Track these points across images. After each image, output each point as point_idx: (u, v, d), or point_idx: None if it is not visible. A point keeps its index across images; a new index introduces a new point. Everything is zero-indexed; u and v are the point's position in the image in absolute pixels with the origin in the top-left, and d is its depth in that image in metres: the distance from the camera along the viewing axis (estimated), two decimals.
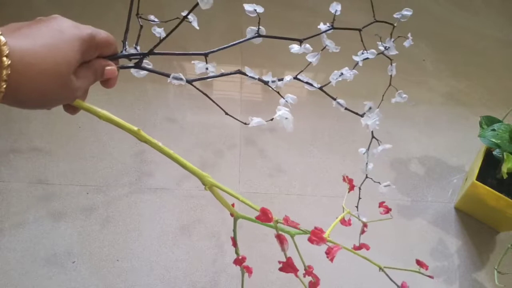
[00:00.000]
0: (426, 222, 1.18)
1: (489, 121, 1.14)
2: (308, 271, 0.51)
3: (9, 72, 0.31)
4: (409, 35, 0.59)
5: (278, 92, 0.54)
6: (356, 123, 1.43)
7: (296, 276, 0.50)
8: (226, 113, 0.58)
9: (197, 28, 0.46)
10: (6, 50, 0.30)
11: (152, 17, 0.52)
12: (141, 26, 0.50)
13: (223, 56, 1.49)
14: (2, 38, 0.31)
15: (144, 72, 0.47)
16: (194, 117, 1.32)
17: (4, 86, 0.31)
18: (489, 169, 1.13)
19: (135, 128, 0.43)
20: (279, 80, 0.52)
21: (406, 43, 0.60)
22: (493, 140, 1.06)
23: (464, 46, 1.71)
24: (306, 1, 1.76)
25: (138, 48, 0.48)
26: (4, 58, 0.30)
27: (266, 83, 0.51)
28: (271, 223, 0.47)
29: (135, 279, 1.00)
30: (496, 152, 1.12)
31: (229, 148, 1.27)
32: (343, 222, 0.61)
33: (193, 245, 1.06)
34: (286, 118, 0.49)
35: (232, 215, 0.52)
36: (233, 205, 0.52)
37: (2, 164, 1.14)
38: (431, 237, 1.15)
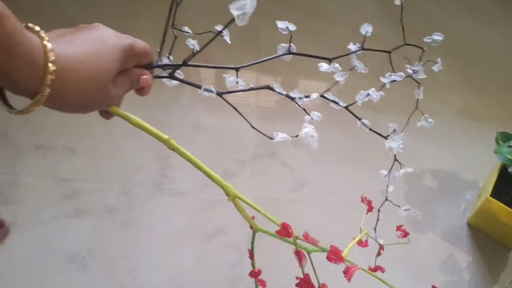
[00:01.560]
0: (437, 237, 1.17)
1: (505, 137, 1.13)
2: None
3: (54, 77, 0.32)
4: (438, 59, 0.58)
5: (305, 109, 0.53)
6: (369, 133, 1.42)
7: None
8: (252, 127, 0.58)
9: (229, 42, 0.46)
10: (52, 57, 0.31)
11: (186, 29, 0.53)
12: (175, 37, 0.51)
13: (239, 60, 1.49)
14: (49, 45, 0.31)
15: (175, 82, 0.48)
16: (209, 120, 1.33)
17: (48, 90, 0.32)
18: (503, 186, 1.12)
19: (166, 137, 0.44)
20: (306, 97, 0.52)
21: (435, 68, 0.59)
22: (509, 157, 1.05)
23: (481, 60, 1.70)
24: (325, 8, 1.77)
25: (171, 58, 0.48)
26: (50, 64, 0.31)
27: (293, 99, 0.51)
28: (291, 239, 0.47)
29: (144, 277, 1.00)
30: (511, 169, 1.11)
31: (242, 152, 1.27)
32: (360, 243, 0.61)
33: (202, 246, 1.07)
34: (312, 136, 0.49)
35: (251, 227, 0.52)
36: (253, 217, 0.52)
37: (19, 159, 1.16)
38: (442, 252, 1.14)
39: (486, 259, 1.14)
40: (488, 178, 1.21)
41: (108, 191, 1.13)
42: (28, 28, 0.32)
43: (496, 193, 1.10)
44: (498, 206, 1.07)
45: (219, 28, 0.46)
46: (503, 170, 1.14)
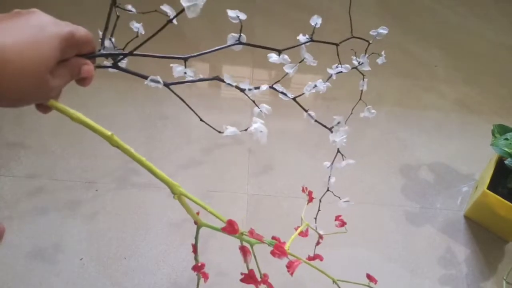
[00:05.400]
0: (434, 230, 1.17)
1: (501, 129, 1.13)
2: (264, 279, 0.52)
3: None
4: (382, 52, 0.59)
5: (254, 101, 0.54)
6: (365, 126, 1.42)
7: (257, 287, 0.51)
8: (201, 119, 0.59)
9: (176, 23, 0.43)
10: None
11: (129, 7, 0.49)
12: (118, 17, 0.47)
13: (234, 55, 1.48)
14: None
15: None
16: (204, 117, 1.32)
17: None
18: (500, 178, 1.12)
19: (109, 133, 0.42)
20: (256, 88, 0.52)
21: (379, 60, 0.60)
22: (506, 149, 1.05)
23: (477, 53, 1.70)
24: (318, 2, 1.76)
25: (113, 39, 0.45)
26: None
27: (242, 90, 0.51)
28: (237, 234, 0.47)
29: (142, 277, 1.00)
30: (508, 162, 1.11)
31: (238, 148, 1.26)
32: (301, 233, 0.63)
33: (201, 245, 1.06)
34: (261, 132, 0.49)
35: (196, 223, 0.53)
36: (197, 213, 0.53)
37: (13, 159, 1.15)
38: (439, 245, 1.14)
39: (483, 252, 1.14)
40: (485, 170, 1.21)
41: (104, 191, 1.12)
42: None
43: (493, 186, 1.10)
44: (495, 199, 1.07)
45: (165, 8, 0.42)
46: (499, 162, 1.14)
